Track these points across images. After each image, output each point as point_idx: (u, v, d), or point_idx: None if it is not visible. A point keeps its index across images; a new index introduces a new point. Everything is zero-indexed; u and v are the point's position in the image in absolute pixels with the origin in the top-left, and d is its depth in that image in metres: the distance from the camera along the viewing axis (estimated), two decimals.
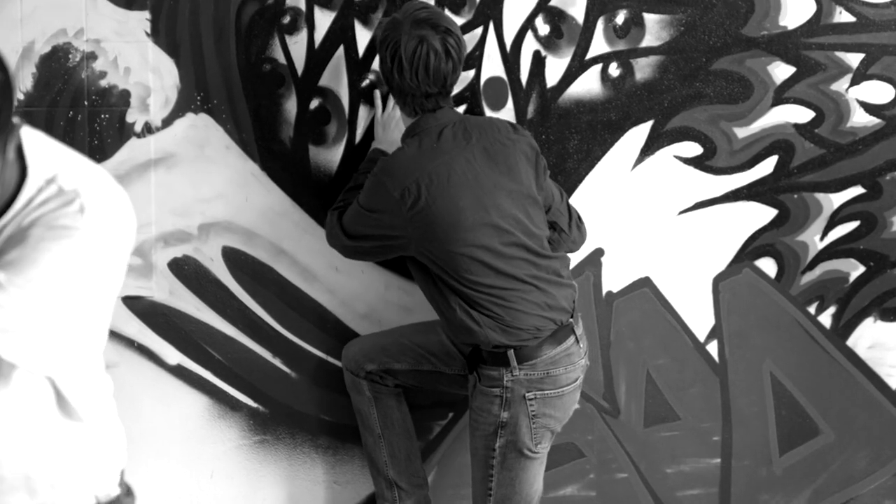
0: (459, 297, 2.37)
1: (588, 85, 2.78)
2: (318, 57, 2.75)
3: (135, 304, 2.80)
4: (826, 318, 2.87)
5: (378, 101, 2.72)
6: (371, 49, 2.74)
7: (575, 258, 2.79)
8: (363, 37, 2.74)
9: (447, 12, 2.72)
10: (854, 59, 2.78)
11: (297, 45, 2.75)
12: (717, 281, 2.85)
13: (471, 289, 2.34)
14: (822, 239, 2.85)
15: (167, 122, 2.77)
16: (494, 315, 2.34)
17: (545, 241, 2.43)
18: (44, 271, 1.42)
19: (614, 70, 2.78)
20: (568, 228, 2.53)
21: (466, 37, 2.73)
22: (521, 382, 2.36)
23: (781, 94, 2.79)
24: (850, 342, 2.88)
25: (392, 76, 2.39)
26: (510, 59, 2.77)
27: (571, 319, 2.41)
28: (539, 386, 2.36)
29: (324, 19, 2.74)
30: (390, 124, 2.66)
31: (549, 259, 2.40)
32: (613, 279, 2.84)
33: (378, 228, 2.41)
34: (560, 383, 2.38)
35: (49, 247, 1.43)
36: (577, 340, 2.41)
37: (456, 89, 2.75)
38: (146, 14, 2.74)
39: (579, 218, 2.59)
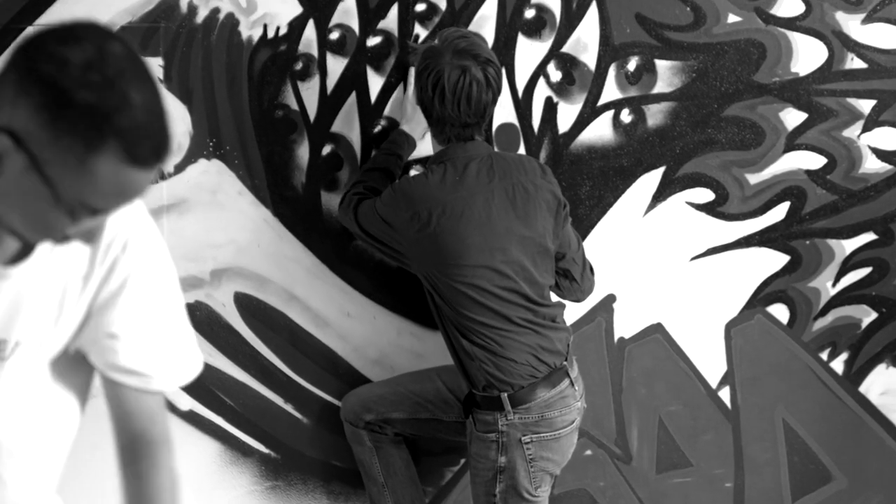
0: (454, 326, 2.38)
1: (600, 131, 2.78)
2: (331, 103, 2.76)
3: None
4: (838, 365, 2.87)
5: (411, 78, 2.70)
6: (383, 95, 2.75)
7: (587, 304, 2.79)
8: (375, 83, 2.75)
9: None
10: (866, 106, 2.79)
11: (310, 92, 2.76)
12: (730, 327, 2.84)
13: (465, 319, 2.35)
14: (834, 285, 2.85)
15: (179, 168, 2.77)
16: (487, 346, 2.34)
17: (547, 290, 2.43)
18: (159, 310, 1.49)
19: (626, 116, 2.78)
20: (580, 279, 2.53)
21: None
22: (516, 426, 2.35)
23: (793, 141, 2.80)
24: (863, 388, 2.88)
25: (433, 105, 2.39)
26: (522, 105, 2.77)
27: (566, 362, 2.41)
28: (534, 429, 2.36)
29: (336, 65, 2.75)
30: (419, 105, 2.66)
31: (548, 307, 2.41)
32: (625, 325, 2.84)
33: (386, 236, 2.43)
34: (556, 426, 2.37)
35: (149, 289, 1.48)
36: (571, 383, 2.40)
37: None
38: (159, 60, 2.74)
39: (591, 269, 2.59)
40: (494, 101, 2.41)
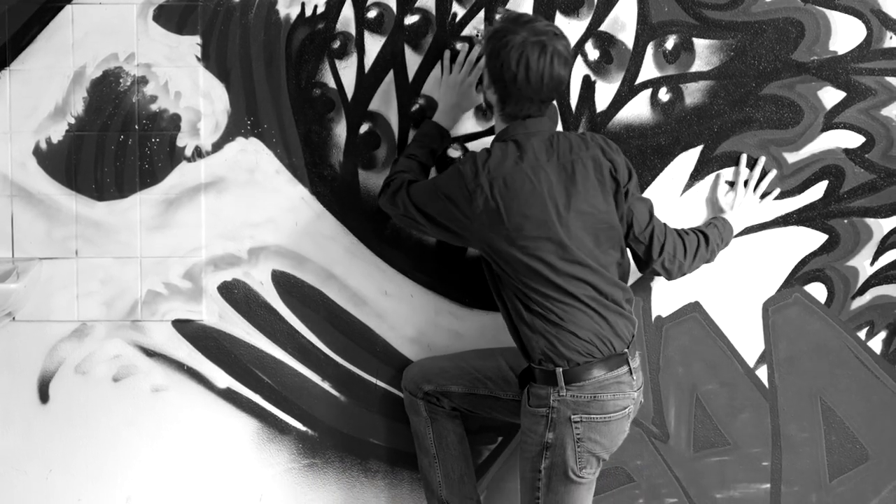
0: (515, 295, 2.38)
1: (638, 110, 2.78)
2: (368, 81, 2.76)
3: (184, 327, 2.81)
4: (876, 344, 2.86)
5: (447, 62, 2.73)
6: (421, 73, 2.75)
7: None
8: (413, 61, 2.75)
9: None
10: None
11: (347, 70, 2.76)
12: (767, 306, 2.84)
13: (528, 289, 2.35)
14: (872, 264, 2.84)
15: (217, 147, 2.78)
16: (548, 317, 2.34)
17: (613, 268, 2.41)
18: None
19: (664, 95, 2.78)
20: (655, 257, 2.50)
21: None
22: (567, 404, 2.35)
23: (831, 120, 2.79)
24: None
25: (514, 82, 2.34)
26: None
27: (627, 350, 2.41)
28: (585, 409, 2.36)
29: (374, 44, 2.75)
30: (455, 88, 2.69)
31: (613, 287, 2.39)
32: (663, 304, 2.84)
33: (445, 213, 2.41)
34: (607, 409, 2.37)
35: None
36: (630, 372, 2.39)
37: None
38: (197, 39, 2.75)
39: (680, 250, 2.54)
40: (569, 77, 2.38)
